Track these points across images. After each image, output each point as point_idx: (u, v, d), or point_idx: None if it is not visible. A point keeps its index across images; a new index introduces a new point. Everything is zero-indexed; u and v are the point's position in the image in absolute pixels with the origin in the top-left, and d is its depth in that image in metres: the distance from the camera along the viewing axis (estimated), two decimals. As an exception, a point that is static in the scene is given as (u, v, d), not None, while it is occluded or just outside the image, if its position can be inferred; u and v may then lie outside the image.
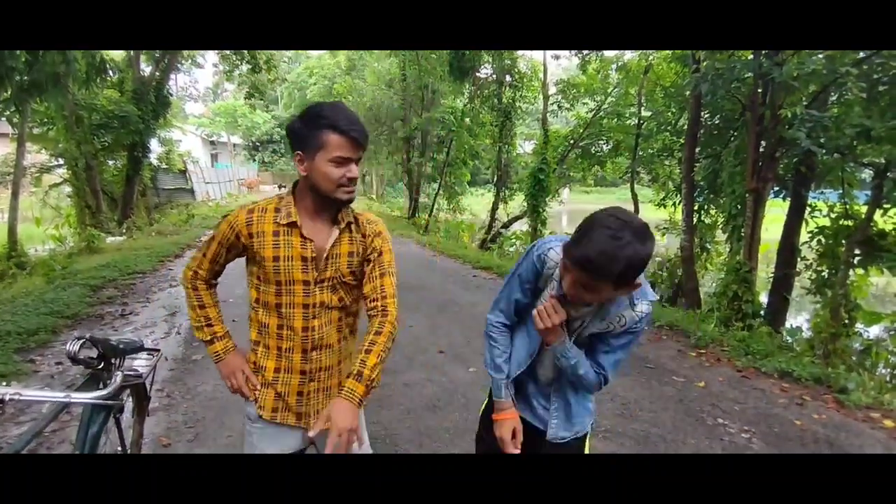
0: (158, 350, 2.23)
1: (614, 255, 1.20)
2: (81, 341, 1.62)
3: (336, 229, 1.50)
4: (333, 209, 1.50)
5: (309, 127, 1.40)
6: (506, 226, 18.04)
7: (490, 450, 1.68)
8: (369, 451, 1.71)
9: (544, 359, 1.57)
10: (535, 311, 1.43)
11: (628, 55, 13.78)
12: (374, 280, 1.51)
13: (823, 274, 7.05)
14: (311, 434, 1.32)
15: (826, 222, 7.09)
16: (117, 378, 1.52)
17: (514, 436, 1.60)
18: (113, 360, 1.79)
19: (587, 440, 1.69)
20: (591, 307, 1.44)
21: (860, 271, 6.54)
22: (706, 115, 8.58)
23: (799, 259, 7.55)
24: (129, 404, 2.13)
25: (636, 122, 13.70)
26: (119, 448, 2.02)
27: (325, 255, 1.48)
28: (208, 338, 1.61)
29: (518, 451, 1.59)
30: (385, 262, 1.53)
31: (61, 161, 13.94)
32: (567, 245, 1.31)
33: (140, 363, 2.09)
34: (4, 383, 1.31)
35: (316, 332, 1.52)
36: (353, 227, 1.53)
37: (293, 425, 1.58)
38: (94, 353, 1.73)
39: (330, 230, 1.50)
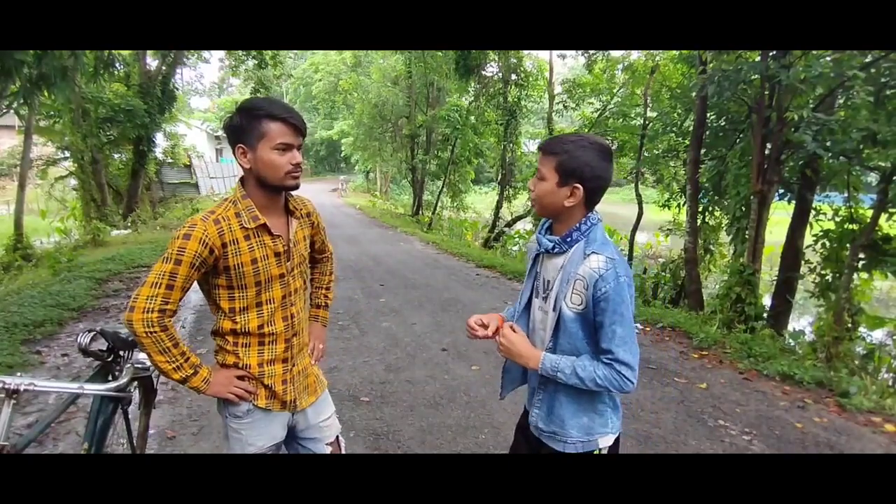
0: (166, 343, 2.25)
1: (565, 139, 1.43)
2: (92, 334, 1.65)
3: (294, 219, 1.61)
4: (282, 198, 1.58)
5: (247, 119, 1.44)
6: (509, 225, 18.03)
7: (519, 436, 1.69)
8: (339, 427, 1.85)
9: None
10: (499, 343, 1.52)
11: (634, 55, 13.74)
12: (321, 240, 1.84)
13: (827, 277, 7.02)
14: (314, 362, 1.75)
15: (831, 226, 7.06)
16: (128, 370, 1.55)
17: (484, 325, 1.60)
18: (122, 353, 1.82)
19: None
20: (556, 269, 1.46)
21: (864, 275, 6.51)
22: (712, 117, 8.52)
23: (803, 262, 7.53)
24: (135, 397, 2.16)
25: (641, 122, 13.63)
26: (125, 440, 2.05)
27: (290, 246, 1.58)
28: (190, 372, 1.47)
29: (477, 334, 1.59)
30: (323, 227, 1.85)
31: (67, 154, 14.02)
32: None
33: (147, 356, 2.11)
34: (19, 374, 1.33)
35: (296, 318, 1.62)
36: (301, 212, 1.66)
37: (279, 411, 1.63)
38: (103, 345, 1.76)
39: (286, 220, 1.60)
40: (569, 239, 1.44)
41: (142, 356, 2.07)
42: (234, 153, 1.49)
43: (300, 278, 1.64)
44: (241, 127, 1.45)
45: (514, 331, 1.51)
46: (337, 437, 1.82)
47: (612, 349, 1.36)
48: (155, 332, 1.38)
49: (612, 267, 1.36)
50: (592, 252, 1.39)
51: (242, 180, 1.53)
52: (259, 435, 1.59)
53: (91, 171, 13.13)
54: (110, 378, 1.77)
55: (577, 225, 1.44)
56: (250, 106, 1.46)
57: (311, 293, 1.92)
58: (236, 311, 1.52)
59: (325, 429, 1.76)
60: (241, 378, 1.55)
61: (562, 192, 1.41)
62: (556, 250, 1.47)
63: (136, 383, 2.07)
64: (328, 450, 1.76)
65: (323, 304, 1.93)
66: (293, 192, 1.60)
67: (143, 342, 1.40)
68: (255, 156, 1.45)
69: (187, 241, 1.39)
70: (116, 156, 15.14)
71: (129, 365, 1.59)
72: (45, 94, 6.91)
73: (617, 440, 1.54)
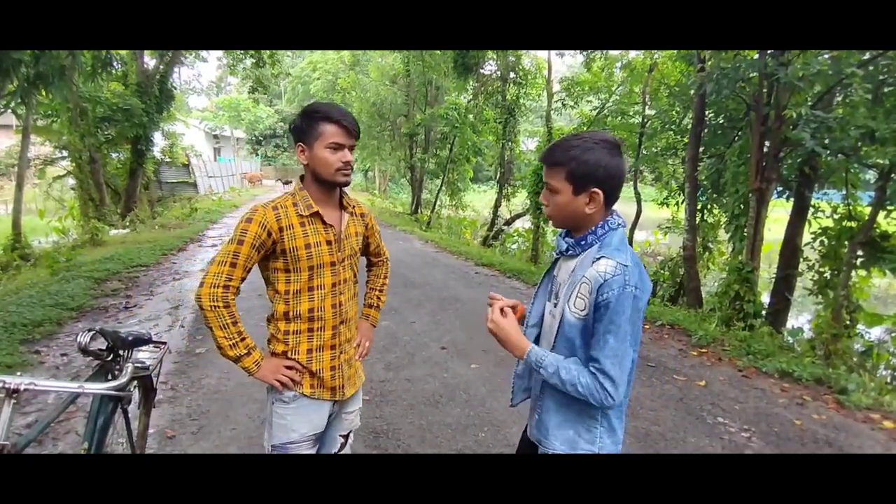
0: (165, 343, 2.26)
1: (568, 145, 1.34)
2: (92, 333, 1.65)
3: (346, 214, 1.75)
4: (336, 195, 1.73)
5: (307, 121, 1.62)
6: (508, 223, 18.04)
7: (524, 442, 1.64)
8: (358, 423, 1.93)
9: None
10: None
11: (633, 53, 13.73)
12: (376, 242, 1.99)
13: (825, 275, 7.04)
14: (358, 357, 1.85)
15: (829, 223, 7.08)
16: (128, 370, 1.54)
17: (503, 312, 1.47)
18: (121, 352, 1.82)
19: None
20: (568, 272, 1.40)
21: (862, 272, 6.53)
22: (710, 115, 8.52)
23: (801, 260, 7.54)
24: (135, 396, 2.16)
25: (640, 120, 13.64)
26: (125, 439, 2.05)
27: (341, 237, 1.70)
28: (244, 351, 1.58)
29: (495, 311, 1.45)
30: (378, 230, 1.99)
31: (65, 153, 13.99)
32: None
33: (146, 355, 2.11)
34: (19, 373, 1.33)
35: (343, 307, 1.72)
36: (355, 210, 1.80)
37: (326, 399, 1.72)
38: (103, 344, 1.76)
39: (340, 215, 1.74)
40: (583, 242, 1.38)
41: (141, 356, 2.08)
42: (296, 151, 1.66)
43: (350, 270, 1.75)
44: (302, 128, 1.62)
45: (504, 315, 1.44)
46: (350, 431, 1.88)
47: (601, 359, 1.29)
48: (218, 306, 1.53)
49: (620, 273, 1.28)
50: (603, 256, 1.32)
51: (302, 177, 1.70)
52: (302, 422, 1.68)
53: (89, 170, 13.10)
54: (110, 377, 1.76)
55: (594, 228, 1.37)
56: (311, 110, 1.64)
57: (365, 294, 2.05)
58: (290, 293, 1.63)
59: (346, 421, 1.84)
60: (289, 368, 1.64)
61: (580, 201, 1.35)
62: (569, 253, 1.42)
63: (135, 383, 2.07)
64: (340, 440, 1.84)
65: (375, 304, 2.05)
66: (347, 191, 1.77)
67: (206, 316, 1.54)
68: (312, 153, 1.62)
69: (249, 224, 1.56)
70: (114, 155, 15.09)
71: (128, 364, 1.58)
72: (43, 93, 6.89)
73: None
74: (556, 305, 1.44)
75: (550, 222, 1.45)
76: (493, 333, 1.44)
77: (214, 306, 1.53)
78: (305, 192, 1.65)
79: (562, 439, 1.41)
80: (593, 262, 1.33)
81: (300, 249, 1.60)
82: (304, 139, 1.62)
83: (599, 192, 1.32)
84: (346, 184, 1.67)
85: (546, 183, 1.39)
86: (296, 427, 1.66)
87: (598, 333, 1.30)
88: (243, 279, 1.59)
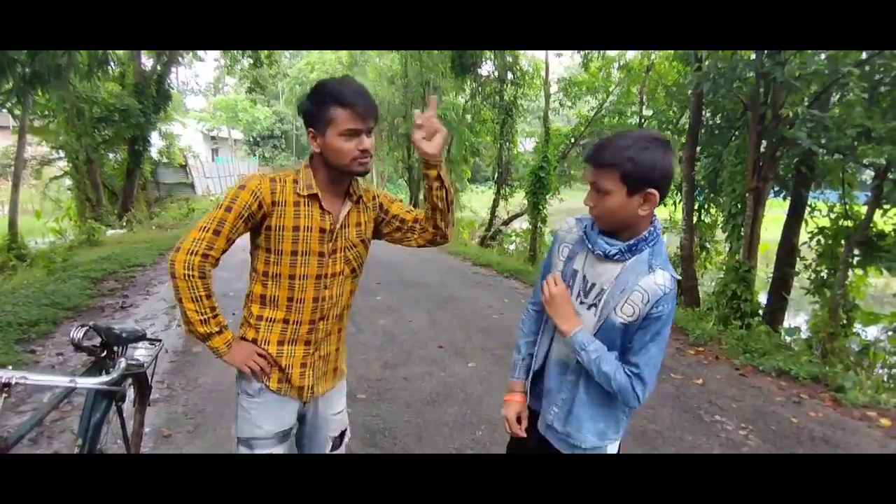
0: (160, 340, 2.25)
1: (621, 145, 1.29)
2: (85, 329, 1.64)
3: (349, 202, 1.56)
4: (346, 182, 1.55)
5: (317, 104, 1.44)
6: (506, 223, 18.03)
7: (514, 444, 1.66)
8: (347, 423, 1.80)
9: (561, 348, 1.49)
10: (542, 283, 1.46)
11: (630, 53, 13.76)
12: (399, 209, 1.69)
13: (822, 274, 7.05)
14: (419, 121, 1.51)
15: (826, 222, 7.09)
16: (121, 364, 1.53)
17: (519, 420, 1.59)
18: (115, 348, 1.81)
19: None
20: (611, 276, 1.37)
21: (859, 272, 6.54)
22: (707, 115, 8.54)
23: (798, 259, 7.55)
24: (130, 394, 2.15)
25: (637, 120, 13.67)
26: (120, 437, 2.04)
27: (338, 226, 1.53)
28: (215, 329, 1.45)
29: (522, 435, 1.57)
30: (397, 202, 1.71)
31: (62, 154, 13.94)
32: None
33: (141, 353, 2.10)
34: (10, 367, 1.32)
35: (326, 302, 1.56)
36: (362, 198, 1.61)
37: (292, 397, 1.60)
38: (97, 340, 1.75)
39: (342, 202, 1.56)
40: (634, 248, 1.34)
41: (136, 353, 2.07)
42: (307, 136, 1.48)
43: (342, 263, 1.57)
44: (312, 112, 1.45)
45: (557, 284, 1.43)
46: (343, 432, 1.77)
47: (640, 364, 1.33)
48: (193, 275, 1.39)
49: (673, 287, 1.31)
50: (660, 267, 1.31)
51: (312, 156, 1.53)
52: (268, 418, 1.56)
53: (86, 170, 13.05)
54: (104, 373, 1.75)
55: (645, 234, 1.34)
56: (321, 90, 1.44)
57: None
58: (269, 275, 1.50)
59: (333, 422, 1.73)
60: (261, 355, 1.53)
61: (634, 202, 1.30)
62: (616, 257, 1.36)
63: (130, 380, 2.06)
64: (330, 443, 1.73)
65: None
66: (359, 179, 1.59)
67: (178, 285, 1.39)
68: (324, 141, 1.44)
69: (241, 191, 1.42)
70: (111, 155, 15.06)
71: (122, 359, 1.57)
72: (39, 93, 6.89)
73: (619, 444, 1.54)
74: (589, 308, 1.41)
75: (597, 223, 1.40)
76: (549, 301, 1.43)
77: (189, 275, 1.38)
78: (310, 171, 1.49)
79: (594, 432, 1.46)
80: (650, 272, 1.32)
81: (286, 230, 1.45)
82: (314, 125, 1.44)
83: (655, 192, 1.29)
84: (364, 173, 1.50)
85: (593, 184, 1.33)
86: (260, 423, 1.56)
87: (643, 341, 1.34)
88: (225, 250, 1.44)
